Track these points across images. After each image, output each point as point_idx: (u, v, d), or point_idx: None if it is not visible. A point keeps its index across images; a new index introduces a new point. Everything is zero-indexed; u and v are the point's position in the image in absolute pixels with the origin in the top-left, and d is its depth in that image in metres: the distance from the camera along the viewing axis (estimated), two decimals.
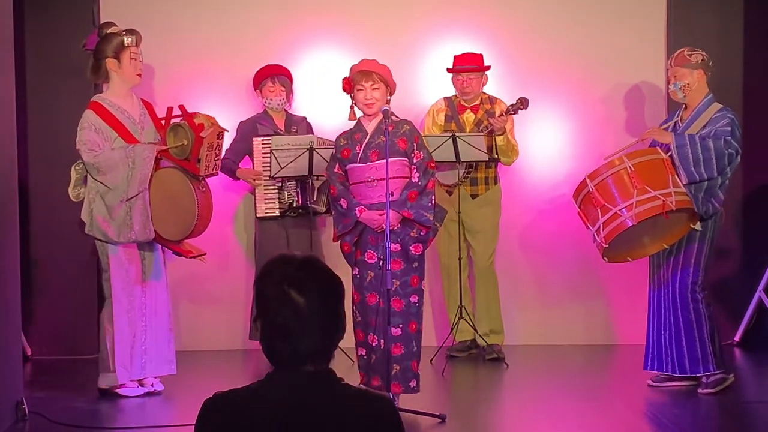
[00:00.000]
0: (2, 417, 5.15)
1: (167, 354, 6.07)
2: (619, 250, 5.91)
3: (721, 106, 6.00)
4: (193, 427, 2.41)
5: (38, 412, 5.42)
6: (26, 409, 5.37)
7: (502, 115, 6.84)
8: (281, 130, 6.99)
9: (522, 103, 6.79)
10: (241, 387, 2.42)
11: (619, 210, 5.68)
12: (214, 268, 7.33)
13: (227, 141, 6.58)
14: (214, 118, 5.89)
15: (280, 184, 6.90)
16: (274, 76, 7.06)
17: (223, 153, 6.16)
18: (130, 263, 5.92)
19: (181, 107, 5.88)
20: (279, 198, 6.93)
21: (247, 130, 7.03)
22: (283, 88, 7.06)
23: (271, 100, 7.07)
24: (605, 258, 5.92)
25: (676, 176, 5.76)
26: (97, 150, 5.81)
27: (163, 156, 5.86)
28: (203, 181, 5.83)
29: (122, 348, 5.89)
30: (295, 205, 6.87)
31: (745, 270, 7.37)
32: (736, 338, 7.34)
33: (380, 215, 5.42)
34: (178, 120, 5.89)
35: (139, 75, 5.99)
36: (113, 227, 5.79)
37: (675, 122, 6.10)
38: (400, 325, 5.47)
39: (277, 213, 6.92)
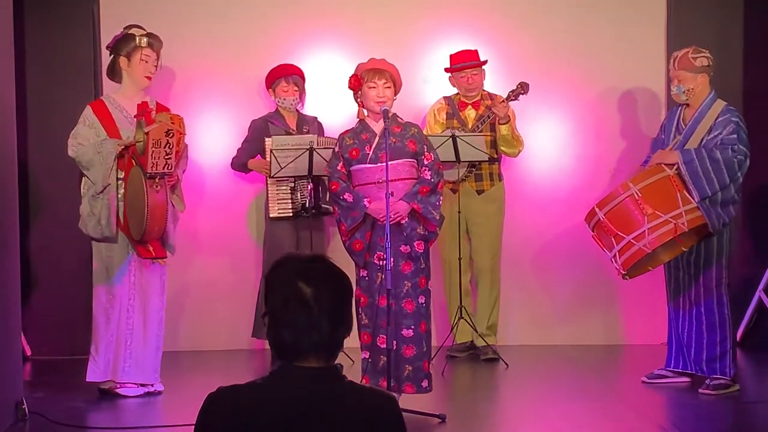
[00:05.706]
0: (2, 417, 5.15)
1: (153, 362, 5.97)
2: (638, 266, 5.84)
3: (725, 104, 5.91)
4: (195, 420, 2.41)
5: (38, 412, 5.41)
6: (26, 409, 5.37)
7: (503, 101, 6.82)
8: (293, 130, 6.96)
9: (522, 88, 6.77)
10: (246, 383, 2.43)
11: (632, 239, 5.60)
12: (223, 266, 7.33)
13: (228, 139, 6.54)
14: (179, 117, 5.72)
15: (292, 185, 6.88)
16: (288, 76, 7.03)
17: (182, 154, 5.90)
18: (111, 260, 5.88)
19: (144, 103, 5.79)
20: (292, 199, 6.90)
21: (259, 129, 7.00)
22: (296, 88, 7.04)
23: (284, 99, 7.03)
24: (626, 278, 5.85)
25: (684, 192, 5.65)
26: (85, 144, 5.81)
27: (132, 153, 5.76)
28: (159, 180, 5.65)
29: (96, 344, 5.89)
30: (308, 205, 6.81)
31: (745, 270, 7.37)
32: (737, 338, 7.33)
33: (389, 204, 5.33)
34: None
35: (149, 78, 5.96)
36: (92, 222, 5.80)
37: (677, 123, 6.00)
38: (412, 327, 5.46)
39: (290, 213, 6.90)
